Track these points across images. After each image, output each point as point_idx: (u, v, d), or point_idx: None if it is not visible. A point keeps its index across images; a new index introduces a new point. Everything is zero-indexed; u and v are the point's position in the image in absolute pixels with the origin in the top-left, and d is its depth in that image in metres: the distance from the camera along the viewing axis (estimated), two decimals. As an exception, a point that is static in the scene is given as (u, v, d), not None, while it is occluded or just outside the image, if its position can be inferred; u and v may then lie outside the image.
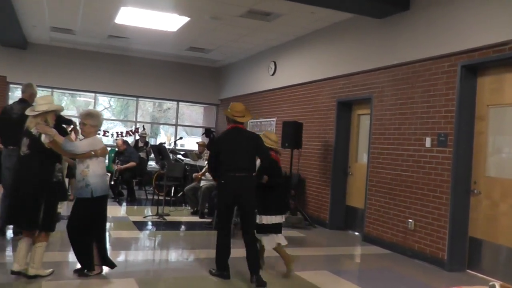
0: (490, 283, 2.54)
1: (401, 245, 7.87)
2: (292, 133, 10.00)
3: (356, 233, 9.41)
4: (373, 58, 8.81)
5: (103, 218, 5.58)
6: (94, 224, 5.44)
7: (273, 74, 12.49)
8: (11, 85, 15.02)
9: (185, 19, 10.49)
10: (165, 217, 9.73)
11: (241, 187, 5.71)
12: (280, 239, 6.19)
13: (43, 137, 5.09)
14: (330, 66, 10.10)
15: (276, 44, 12.17)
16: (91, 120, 5.39)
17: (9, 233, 7.28)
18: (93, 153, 5.28)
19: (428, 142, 7.47)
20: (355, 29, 9.36)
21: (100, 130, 5.85)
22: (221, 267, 5.84)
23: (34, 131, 5.12)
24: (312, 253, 7.80)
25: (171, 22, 10.85)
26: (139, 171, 12.96)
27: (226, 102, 15.92)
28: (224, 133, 6.09)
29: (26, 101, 7.02)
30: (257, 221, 6.01)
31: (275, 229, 6.12)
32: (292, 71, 11.60)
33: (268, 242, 6.13)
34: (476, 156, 6.97)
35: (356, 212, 9.59)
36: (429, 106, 7.52)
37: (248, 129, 13.62)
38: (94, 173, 5.28)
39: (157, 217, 9.78)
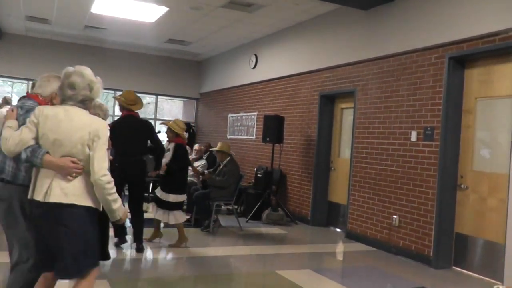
0: (495, 287, 2.30)
1: (385, 242, 7.66)
2: (274, 128, 9.78)
3: (339, 230, 9.19)
4: (357, 51, 8.59)
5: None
6: None
7: (254, 67, 12.22)
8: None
9: (163, 9, 10.15)
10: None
11: (133, 169, 6.43)
12: (181, 215, 7.02)
13: None
14: (313, 59, 9.86)
15: (258, 36, 11.89)
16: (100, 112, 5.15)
17: None
18: None
19: (413, 136, 7.27)
20: (339, 21, 9.13)
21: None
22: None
23: None
24: (294, 251, 7.58)
25: (149, 12, 10.48)
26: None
27: (206, 96, 15.63)
28: (118, 120, 6.75)
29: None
30: (164, 198, 6.86)
31: (178, 206, 6.97)
32: (274, 64, 11.34)
33: (173, 217, 6.90)
34: (463, 150, 6.78)
35: (338, 208, 9.38)
36: (416, 99, 7.31)
37: (228, 123, 13.41)
38: None
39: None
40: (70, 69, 3.36)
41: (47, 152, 3.17)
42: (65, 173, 3.16)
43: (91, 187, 3.21)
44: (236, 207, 9.75)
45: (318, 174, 9.64)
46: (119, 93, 17.20)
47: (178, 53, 15.05)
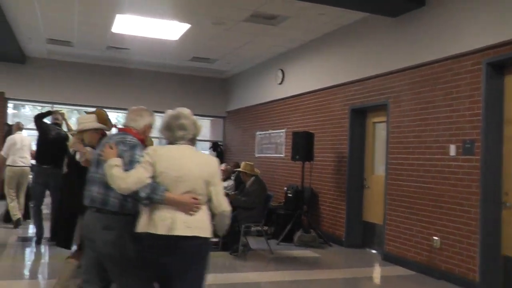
0: None
1: (426, 265, 7.12)
2: (303, 145, 9.35)
3: (376, 252, 8.66)
4: (388, 61, 8.15)
5: None
6: None
7: (281, 83, 11.84)
8: (9, 101, 14.61)
9: (186, 26, 9.90)
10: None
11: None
12: None
13: (77, 156, 4.97)
14: (341, 72, 9.44)
15: (283, 50, 11.53)
16: None
17: None
18: None
19: (452, 150, 6.76)
20: (367, 30, 8.71)
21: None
22: None
23: (71, 149, 5.06)
24: (329, 276, 7.11)
25: (172, 30, 10.26)
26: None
27: (233, 114, 15.30)
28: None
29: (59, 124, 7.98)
30: None
31: None
32: (301, 79, 10.94)
33: None
34: (507, 164, 6.23)
35: (374, 229, 8.86)
36: (452, 110, 6.81)
37: (256, 141, 13.02)
38: None
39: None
40: (176, 111, 3.57)
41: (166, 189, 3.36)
42: (187, 209, 3.36)
43: (207, 219, 3.46)
44: (266, 228, 9.33)
45: (351, 192, 9.15)
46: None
47: (203, 71, 14.79)
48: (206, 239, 3.42)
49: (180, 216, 3.34)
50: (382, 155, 8.53)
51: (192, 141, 3.60)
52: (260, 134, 12.94)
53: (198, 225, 3.38)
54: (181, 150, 3.50)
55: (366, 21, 8.70)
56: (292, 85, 11.35)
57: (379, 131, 8.96)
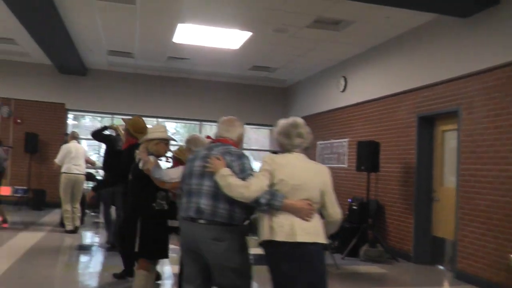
0: None
1: (504, 285, 6.59)
2: (368, 154, 8.96)
3: (446, 269, 8.14)
4: (458, 64, 7.68)
5: None
6: None
7: (343, 90, 11.48)
8: (69, 112, 14.91)
9: (247, 35, 9.75)
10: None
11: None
12: None
13: (140, 164, 4.93)
14: (408, 77, 9.01)
15: (346, 57, 11.18)
16: (194, 148, 4.80)
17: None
18: None
19: (533, 160, 6.25)
20: (436, 33, 8.27)
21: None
22: None
23: (137, 157, 5.08)
24: (397, 294, 6.69)
25: (233, 38, 10.14)
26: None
27: (294, 124, 15.02)
28: (128, 151, 5.99)
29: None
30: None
31: None
32: (365, 86, 10.56)
33: None
34: None
35: (444, 244, 8.34)
36: (532, 117, 6.31)
37: (317, 151, 12.69)
38: None
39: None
40: (293, 120, 3.71)
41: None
42: (303, 215, 3.45)
43: (321, 225, 3.55)
44: (330, 242, 8.97)
45: (419, 205, 8.67)
46: (206, 124, 17.14)
47: (263, 80, 14.61)
48: (323, 245, 3.51)
49: (298, 222, 3.43)
50: (452, 166, 8.05)
51: (306, 150, 3.72)
52: (321, 143, 12.58)
53: (315, 231, 3.48)
54: (298, 158, 3.62)
55: (434, 23, 8.27)
56: (355, 92, 10.98)
57: (448, 140, 8.47)
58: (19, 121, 14.05)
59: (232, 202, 3.58)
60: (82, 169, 9.85)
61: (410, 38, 9.01)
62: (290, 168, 3.54)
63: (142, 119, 6.19)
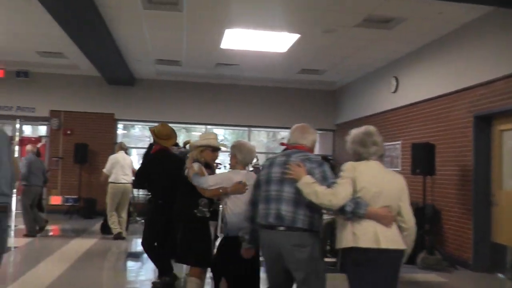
0: None
1: None
2: (423, 157, 8.63)
3: (505, 277, 7.68)
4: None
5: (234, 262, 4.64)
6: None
7: (394, 91, 11.13)
8: (119, 122, 15.12)
9: (295, 37, 9.56)
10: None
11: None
12: None
13: (186, 171, 5.05)
14: (464, 75, 8.59)
15: (397, 56, 10.81)
16: (239, 154, 4.78)
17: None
18: (220, 190, 4.66)
19: None
20: (493, 27, 7.85)
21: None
22: None
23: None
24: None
25: (280, 41, 9.99)
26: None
27: (343, 127, 14.71)
28: (152, 156, 6.37)
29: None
30: None
31: None
32: (417, 86, 10.18)
33: None
34: None
35: (505, 252, 7.86)
36: None
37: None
38: (232, 211, 4.63)
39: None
40: (367, 129, 3.82)
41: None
42: (386, 222, 3.53)
43: (399, 232, 3.61)
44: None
45: (477, 210, 8.23)
46: (254, 130, 17.04)
47: (311, 83, 14.38)
48: (403, 251, 3.59)
49: (381, 229, 3.50)
50: (511, 168, 7.62)
51: (381, 157, 3.79)
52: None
53: (397, 238, 3.56)
54: (376, 166, 3.69)
55: (490, 16, 7.86)
56: (408, 93, 10.61)
57: (506, 140, 8.02)
58: (68, 132, 14.29)
59: (312, 208, 3.68)
60: (129, 178, 10.04)
61: (464, 34, 8.61)
62: (371, 175, 3.60)
63: (167, 126, 6.38)
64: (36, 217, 10.19)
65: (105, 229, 10.29)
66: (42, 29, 9.78)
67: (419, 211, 8.84)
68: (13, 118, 14.60)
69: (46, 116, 14.41)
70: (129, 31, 9.77)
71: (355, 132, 3.83)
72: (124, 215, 10.17)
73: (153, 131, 6.34)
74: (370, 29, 8.85)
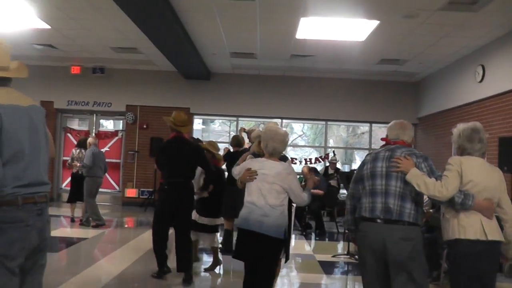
0: None
1: None
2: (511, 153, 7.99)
3: None
4: None
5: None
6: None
7: (481, 81, 10.43)
8: (195, 117, 15.26)
9: (374, 24, 9.14)
10: (357, 257, 8.14)
11: (180, 192, 6.28)
12: (215, 239, 7.08)
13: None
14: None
15: (484, 42, 10.10)
16: (262, 141, 4.51)
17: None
18: (239, 182, 4.47)
19: None
20: None
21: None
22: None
23: None
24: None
25: (358, 29, 9.59)
26: (329, 201, 11.76)
27: (425, 120, 14.09)
28: (168, 142, 6.64)
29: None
30: (199, 220, 6.85)
31: (212, 229, 6.97)
32: (506, 74, 9.45)
33: (206, 240, 7.04)
34: None
35: None
36: None
37: (453, 150, 11.69)
38: (245, 201, 4.43)
39: (348, 256, 8.37)
40: (474, 125, 3.94)
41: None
42: (489, 214, 3.72)
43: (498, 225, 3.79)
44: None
45: None
46: (333, 124, 16.67)
47: (391, 74, 13.82)
48: (500, 243, 3.76)
49: (485, 221, 3.70)
50: None
51: (483, 155, 3.93)
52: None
53: (498, 230, 3.76)
54: (480, 161, 3.86)
55: None
56: (495, 82, 9.90)
57: None
58: (144, 126, 14.52)
59: (417, 203, 3.83)
60: None
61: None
62: (476, 169, 3.77)
63: (183, 113, 6.57)
64: (96, 209, 10.47)
65: None
66: (115, 24, 9.93)
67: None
68: (91, 113, 15.07)
69: (122, 111, 14.75)
70: (202, 23, 9.70)
71: (463, 126, 3.95)
72: None
73: (171, 118, 6.46)
74: (455, 12, 8.26)
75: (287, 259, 4.91)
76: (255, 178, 4.25)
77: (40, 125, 3.19)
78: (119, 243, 9.12)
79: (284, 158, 4.81)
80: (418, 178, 3.71)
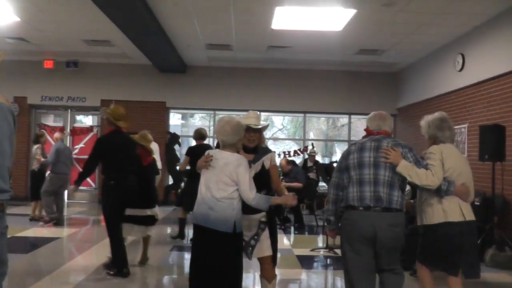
0: None
1: None
2: (492, 141, 7.83)
3: None
4: None
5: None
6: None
7: (460, 70, 10.24)
8: (170, 110, 15.01)
9: (351, 12, 8.90)
10: (336, 250, 7.83)
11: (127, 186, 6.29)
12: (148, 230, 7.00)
13: None
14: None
15: (464, 30, 9.86)
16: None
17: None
18: None
19: None
20: None
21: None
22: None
23: None
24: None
25: (335, 18, 9.37)
26: (308, 194, 11.54)
27: (405, 111, 13.94)
28: (104, 137, 6.86)
29: None
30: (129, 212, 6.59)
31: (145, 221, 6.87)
32: (486, 62, 9.28)
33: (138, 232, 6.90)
34: None
35: None
36: None
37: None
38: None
39: (326, 250, 8.15)
40: (441, 114, 4.45)
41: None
42: (466, 198, 4.29)
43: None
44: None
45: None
46: (310, 116, 16.42)
47: (369, 65, 13.62)
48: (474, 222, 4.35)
49: (463, 204, 4.23)
50: None
51: (453, 141, 4.43)
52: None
53: (472, 211, 4.34)
54: (455, 149, 4.36)
55: None
56: (475, 70, 9.71)
57: None
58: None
59: (402, 190, 3.99)
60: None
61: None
62: (453, 157, 4.23)
63: (121, 107, 6.50)
64: (60, 206, 10.17)
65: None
66: (85, 15, 9.64)
67: (487, 201, 8.15)
68: (65, 108, 14.71)
69: (97, 106, 14.39)
70: (174, 13, 9.45)
71: (430, 117, 4.37)
72: None
73: (107, 111, 6.40)
74: (433, 0, 8.06)
75: (274, 263, 4.62)
76: (210, 165, 4.04)
77: (3, 123, 2.76)
78: (94, 242, 8.85)
79: (267, 151, 4.62)
80: (409, 170, 3.89)
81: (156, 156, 10.03)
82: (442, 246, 4.21)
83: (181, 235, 8.88)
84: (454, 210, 4.14)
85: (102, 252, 7.40)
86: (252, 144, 4.47)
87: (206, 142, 9.37)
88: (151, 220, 6.93)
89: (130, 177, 6.39)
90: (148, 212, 6.84)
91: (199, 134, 8.67)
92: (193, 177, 7.88)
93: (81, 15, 9.63)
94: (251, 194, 3.95)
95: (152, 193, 7.08)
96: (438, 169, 4.04)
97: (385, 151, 3.93)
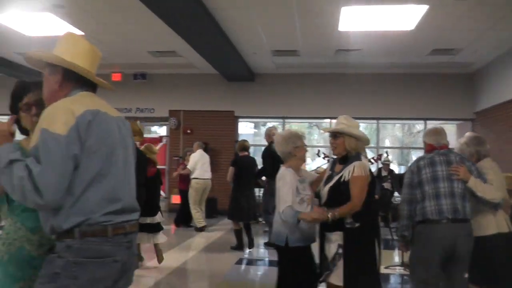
0: None
1: None
2: None
3: None
4: None
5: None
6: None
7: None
8: (240, 120, 14.92)
9: (423, 9, 8.43)
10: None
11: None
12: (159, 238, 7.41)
13: None
14: None
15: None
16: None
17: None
18: None
19: None
20: None
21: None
22: None
23: None
24: None
25: (407, 16, 8.89)
26: (383, 205, 10.98)
27: (484, 115, 13.12)
28: None
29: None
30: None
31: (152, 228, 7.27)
32: None
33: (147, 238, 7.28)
34: None
35: None
36: None
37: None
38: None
39: (402, 268, 7.66)
40: (473, 133, 4.75)
41: None
42: (507, 209, 4.54)
43: None
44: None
45: None
46: (385, 123, 15.80)
47: (443, 66, 12.93)
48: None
49: (505, 216, 4.39)
50: None
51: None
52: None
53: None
54: (495, 163, 4.55)
55: None
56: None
57: None
58: (188, 131, 14.23)
59: (469, 201, 4.17)
60: (209, 175, 11.14)
61: None
62: (497, 171, 4.43)
63: (136, 123, 6.97)
64: None
65: (180, 221, 11.55)
66: (149, 27, 9.73)
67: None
68: (134, 119, 14.84)
69: (165, 116, 14.54)
70: (240, 25, 9.42)
71: (463, 139, 4.65)
72: (203, 208, 11.22)
73: None
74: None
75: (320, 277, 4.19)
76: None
77: (128, 139, 2.66)
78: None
79: (357, 157, 4.05)
80: (479, 186, 4.10)
81: (206, 166, 11.05)
82: (495, 256, 4.26)
83: (239, 246, 8.99)
84: (502, 222, 4.31)
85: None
86: (334, 151, 4.14)
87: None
88: (152, 228, 7.24)
89: (141, 189, 6.39)
90: (148, 220, 7.13)
91: (242, 146, 9.15)
92: (240, 188, 8.76)
93: (144, 26, 9.74)
94: (280, 208, 3.99)
95: (153, 202, 7.39)
96: (499, 183, 4.25)
97: (455, 169, 4.14)
